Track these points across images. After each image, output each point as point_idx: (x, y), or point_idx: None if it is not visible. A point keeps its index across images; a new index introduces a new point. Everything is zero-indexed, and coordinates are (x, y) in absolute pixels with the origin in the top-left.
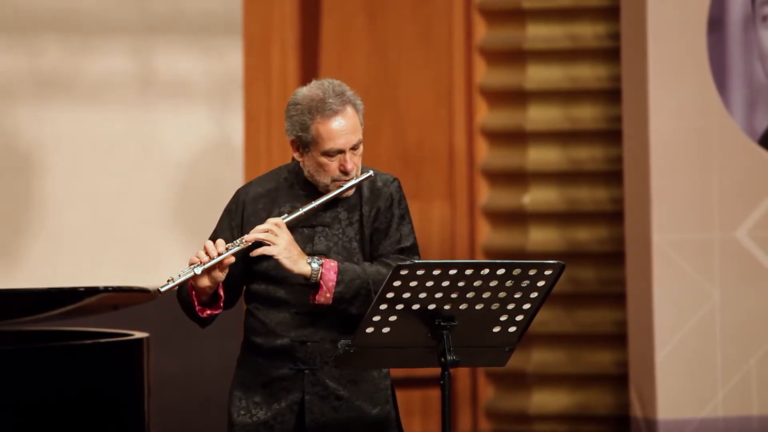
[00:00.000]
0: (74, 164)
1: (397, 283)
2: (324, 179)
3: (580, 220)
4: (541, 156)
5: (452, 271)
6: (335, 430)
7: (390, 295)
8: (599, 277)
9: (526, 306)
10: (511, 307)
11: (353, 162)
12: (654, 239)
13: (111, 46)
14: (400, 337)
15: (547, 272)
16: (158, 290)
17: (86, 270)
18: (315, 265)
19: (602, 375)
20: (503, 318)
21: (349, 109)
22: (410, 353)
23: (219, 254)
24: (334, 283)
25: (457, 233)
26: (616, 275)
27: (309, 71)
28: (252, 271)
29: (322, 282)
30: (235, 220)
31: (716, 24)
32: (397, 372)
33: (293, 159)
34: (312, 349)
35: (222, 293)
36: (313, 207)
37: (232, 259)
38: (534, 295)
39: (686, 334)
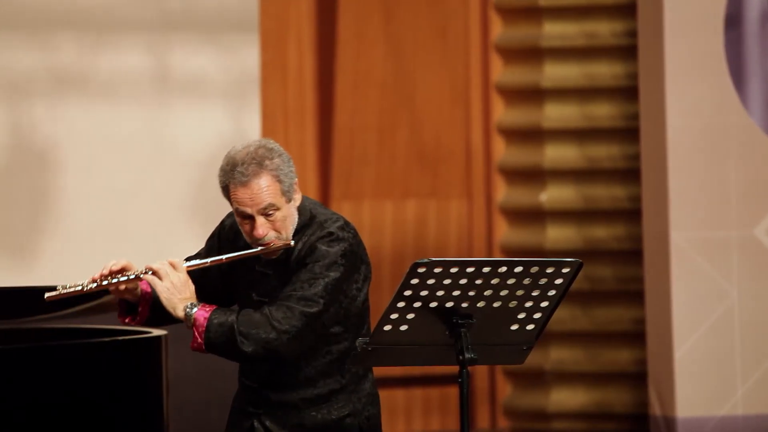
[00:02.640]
0: (90, 161)
1: (414, 281)
2: (246, 237)
3: (597, 217)
4: (558, 154)
5: (470, 269)
6: None
7: (408, 292)
8: (617, 275)
9: (544, 304)
10: (528, 304)
11: (264, 228)
12: (672, 237)
13: (127, 43)
14: (418, 335)
15: (565, 270)
16: (44, 297)
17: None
18: (189, 311)
19: (621, 373)
20: (521, 316)
21: (263, 180)
22: (428, 351)
23: (108, 276)
24: (203, 329)
25: (474, 231)
26: (634, 273)
27: (325, 68)
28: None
29: (194, 327)
30: (215, 240)
31: (733, 21)
32: (415, 370)
33: None
34: (257, 394)
35: (142, 309)
36: (219, 260)
37: (122, 287)
38: (552, 293)
39: (705, 331)
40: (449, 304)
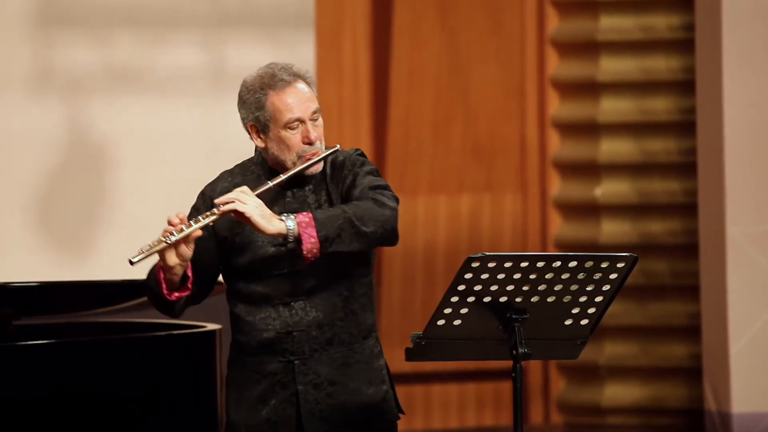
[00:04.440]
0: (146, 157)
1: (468, 276)
2: (289, 156)
3: (653, 212)
4: (613, 148)
5: (524, 264)
6: (333, 416)
7: (461, 287)
8: (672, 270)
9: (599, 299)
10: (583, 299)
11: (316, 132)
12: (728, 231)
13: (183, 40)
14: (472, 330)
15: (620, 264)
16: (130, 260)
17: None
18: (290, 222)
19: (675, 368)
20: (575, 311)
21: (300, 81)
22: (481, 345)
23: (181, 222)
24: (314, 227)
25: (528, 225)
26: (690, 267)
27: (380, 64)
28: (231, 268)
29: (301, 231)
30: (203, 212)
31: None
32: (468, 364)
33: (256, 151)
34: (299, 339)
35: (190, 274)
36: (282, 180)
37: (200, 233)
38: (606, 287)
39: (761, 326)
40: (503, 299)
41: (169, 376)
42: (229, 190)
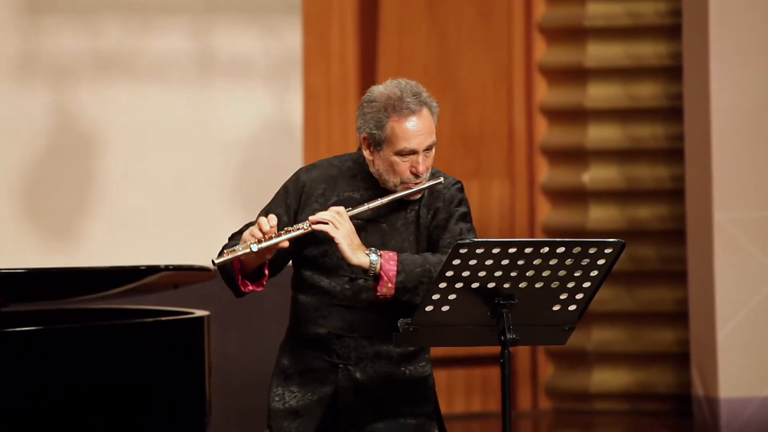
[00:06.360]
0: (134, 144)
1: (456, 262)
2: (393, 179)
3: (640, 198)
4: (601, 134)
5: (512, 250)
6: (366, 427)
7: (449, 273)
8: (660, 255)
9: (586, 284)
10: (570, 285)
11: (425, 165)
12: (715, 217)
13: (171, 26)
14: (460, 316)
15: (607, 250)
16: (213, 261)
17: (147, 249)
18: (374, 257)
19: (663, 353)
20: (563, 296)
21: (425, 111)
22: (470, 331)
23: (271, 230)
24: (395, 273)
25: (516, 212)
26: (677, 253)
27: (368, 51)
28: (301, 256)
29: (382, 273)
30: (292, 197)
31: None
32: (456, 350)
33: (359, 149)
34: (348, 344)
35: (267, 272)
36: (379, 204)
37: (287, 244)
38: (594, 273)
39: (748, 312)
40: (491, 285)
41: (158, 362)
42: (322, 180)
